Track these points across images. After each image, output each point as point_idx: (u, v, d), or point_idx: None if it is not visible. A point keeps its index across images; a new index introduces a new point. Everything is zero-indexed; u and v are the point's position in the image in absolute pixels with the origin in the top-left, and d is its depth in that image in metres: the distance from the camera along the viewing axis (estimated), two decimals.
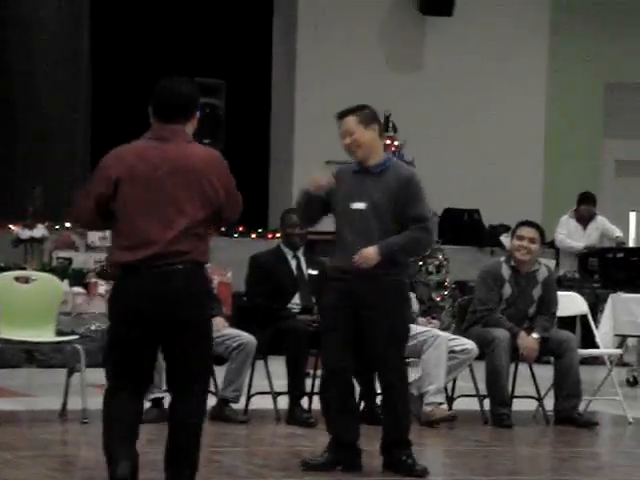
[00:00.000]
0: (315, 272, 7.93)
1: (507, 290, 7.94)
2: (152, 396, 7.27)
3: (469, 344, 7.73)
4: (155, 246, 4.81)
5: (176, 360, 4.90)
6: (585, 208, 12.70)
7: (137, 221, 4.84)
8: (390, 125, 12.42)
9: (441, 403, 7.62)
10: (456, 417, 7.51)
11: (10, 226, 10.89)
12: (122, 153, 4.93)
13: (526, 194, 14.94)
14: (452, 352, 7.68)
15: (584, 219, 12.75)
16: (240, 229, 12.76)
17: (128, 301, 4.86)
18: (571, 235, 12.73)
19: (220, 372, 7.60)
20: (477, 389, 7.88)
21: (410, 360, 9.47)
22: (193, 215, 4.85)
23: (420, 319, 7.91)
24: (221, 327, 7.47)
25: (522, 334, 7.83)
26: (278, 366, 7.65)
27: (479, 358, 7.82)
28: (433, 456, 6.94)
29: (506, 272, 7.97)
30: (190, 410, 4.92)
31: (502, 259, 8.14)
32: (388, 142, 12.48)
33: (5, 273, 8.00)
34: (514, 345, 7.81)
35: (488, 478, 6.08)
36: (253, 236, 13.08)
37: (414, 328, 7.77)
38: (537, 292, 7.97)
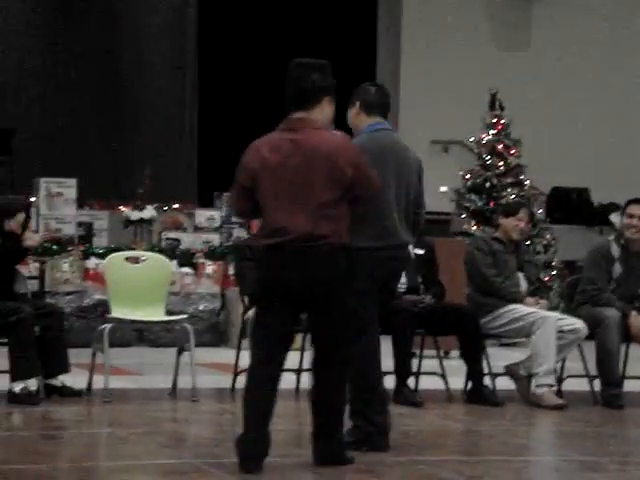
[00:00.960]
0: (421, 252, 7.89)
1: (617, 269, 7.81)
2: None
3: (578, 323, 7.63)
4: (292, 232, 5.15)
5: (320, 333, 5.27)
6: None
7: (274, 209, 5.17)
8: (497, 104, 12.30)
9: (552, 385, 7.54)
10: (566, 406, 7.41)
11: (120, 207, 11.06)
12: (258, 147, 5.25)
13: (637, 172, 14.65)
14: (561, 332, 7.59)
15: None
16: None
17: (272, 279, 5.21)
18: None
19: None
20: (587, 369, 7.77)
21: (518, 340, 9.45)
22: (322, 197, 5.14)
23: (528, 299, 7.83)
24: None
25: (633, 313, 7.70)
26: (385, 346, 7.63)
27: (589, 338, 7.71)
28: (543, 436, 6.87)
29: (616, 251, 7.83)
30: (335, 376, 5.30)
31: (611, 237, 8.00)
32: (494, 120, 12.37)
33: (116, 253, 8.13)
34: (625, 325, 7.68)
35: (599, 459, 6.00)
36: None
37: (522, 309, 7.70)
38: None
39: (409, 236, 5.91)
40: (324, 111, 5.24)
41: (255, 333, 5.39)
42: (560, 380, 7.85)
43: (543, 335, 7.52)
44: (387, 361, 7.57)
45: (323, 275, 5.14)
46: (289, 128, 5.23)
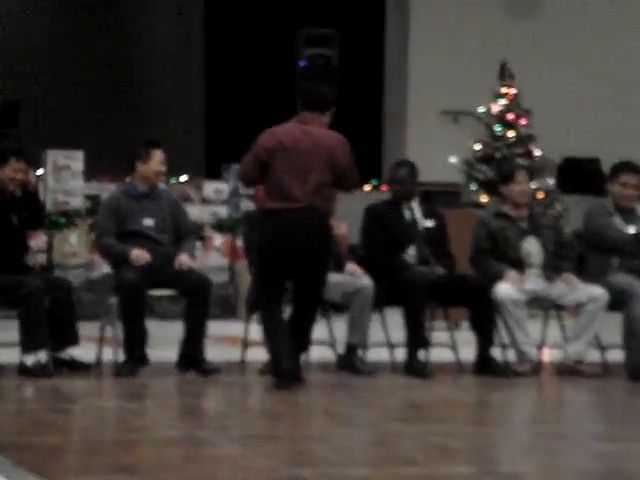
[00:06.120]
0: (431, 223, 7.83)
1: (617, 221, 7.73)
2: None
3: (597, 290, 7.53)
4: (295, 199, 6.63)
5: (302, 280, 6.70)
6: None
7: (283, 180, 6.66)
8: (507, 73, 12.22)
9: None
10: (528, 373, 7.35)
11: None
12: (275, 131, 6.75)
13: None
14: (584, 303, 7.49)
15: None
16: None
17: (271, 237, 6.69)
18: None
19: (338, 322, 7.60)
20: (600, 342, 7.71)
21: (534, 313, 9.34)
22: (321, 178, 6.67)
23: (510, 273, 7.58)
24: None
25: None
26: (396, 318, 7.60)
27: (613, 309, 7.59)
28: (553, 407, 6.83)
29: (611, 209, 7.77)
30: (310, 311, 6.81)
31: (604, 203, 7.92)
32: (504, 90, 12.29)
33: None
34: None
35: (613, 429, 5.95)
36: (367, 188, 13.01)
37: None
38: None
39: None
40: (328, 118, 6.78)
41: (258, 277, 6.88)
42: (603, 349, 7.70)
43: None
44: (398, 332, 7.56)
45: (317, 235, 6.65)
46: (303, 122, 6.74)
